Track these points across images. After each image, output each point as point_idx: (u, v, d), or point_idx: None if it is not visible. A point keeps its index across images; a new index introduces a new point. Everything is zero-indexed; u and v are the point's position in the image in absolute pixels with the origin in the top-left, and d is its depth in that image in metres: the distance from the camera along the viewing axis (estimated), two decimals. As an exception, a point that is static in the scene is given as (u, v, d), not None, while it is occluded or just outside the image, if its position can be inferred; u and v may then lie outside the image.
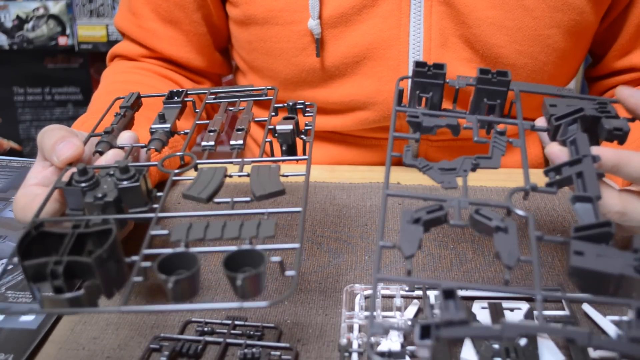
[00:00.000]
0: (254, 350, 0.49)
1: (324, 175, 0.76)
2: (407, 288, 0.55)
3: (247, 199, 0.47)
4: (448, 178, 0.46)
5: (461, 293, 0.55)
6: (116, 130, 0.57)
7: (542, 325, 0.36)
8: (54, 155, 0.53)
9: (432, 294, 0.54)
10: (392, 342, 0.48)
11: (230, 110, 0.59)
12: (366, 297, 0.55)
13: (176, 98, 0.61)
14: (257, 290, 0.40)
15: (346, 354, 0.48)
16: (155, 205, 0.48)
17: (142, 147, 0.56)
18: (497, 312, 0.52)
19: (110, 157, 0.54)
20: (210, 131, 0.55)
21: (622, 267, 0.38)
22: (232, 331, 0.52)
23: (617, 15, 0.78)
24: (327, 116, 0.83)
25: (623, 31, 0.79)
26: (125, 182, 0.48)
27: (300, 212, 0.45)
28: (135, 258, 0.42)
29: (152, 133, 0.57)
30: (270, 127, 0.56)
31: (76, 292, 0.39)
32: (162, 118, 0.57)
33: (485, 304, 0.54)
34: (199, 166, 0.51)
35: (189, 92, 0.62)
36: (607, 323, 0.52)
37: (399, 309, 0.53)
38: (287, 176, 0.50)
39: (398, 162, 0.76)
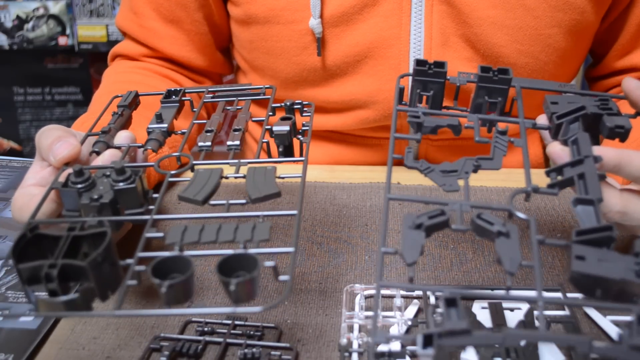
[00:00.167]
0: (254, 350, 0.49)
1: (324, 175, 0.76)
2: (412, 290, 0.55)
3: (243, 201, 0.47)
4: (449, 181, 0.46)
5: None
6: (113, 130, 0.57)
7: (544, 333, 0.36)
8: (50, 155, 0.53)
9: (432, 294, 0.54)
10: (392, 342, 0.48)
11: (228, 109, 0.59)
12: (366, 297, 0.55)
13: (174, 97, 0.60)
14: (251, 294, 0.40)
15: (346, 354, 0.48)
16: (151, 207, 0.48)
17: (139, 147, 0.56)
18: (497, 312, 0.52)
19: (107, 157, 0.53)
20: (207, 131, 0.54)
21: (623, 272, 0.38)
22: (232, 331, 0.52)
23: (617, 15, 0.78)
24: (327, 115, 0.83)
25: (624, 31, 0.78)
26: (121, 184, 0.48)
27: (296, 215, 0.45)
28: (129, 261, 0.42)
29: (149, 133, 0.56)
30: (267, 127, 0.56)
31: (71, 295, 0.39)
32: (159, 118, 0.57)
33: (485, 304, 0.53)
34: (196, 167, 0.50)
35: (186, 91, 0.61)
36: (607, 323, 0.52)
37: (399, 309, 0.53)
38: (283, 178, 0.50)
39: (398, 162, 0.76)
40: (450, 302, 0.37)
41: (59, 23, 1.78)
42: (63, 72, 1.91)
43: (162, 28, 0.84)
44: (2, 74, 1.90)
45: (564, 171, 0.46)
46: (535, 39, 0.74)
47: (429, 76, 0.53)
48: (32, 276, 0.40)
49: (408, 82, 0.55)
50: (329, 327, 0.53)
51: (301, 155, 0.54)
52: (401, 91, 0.54)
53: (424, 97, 0.54)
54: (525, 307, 0.53)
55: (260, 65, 0.83)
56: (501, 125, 0.50)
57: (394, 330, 0.51)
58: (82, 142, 0.55)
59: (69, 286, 0.41)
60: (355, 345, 0.49)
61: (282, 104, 0.59)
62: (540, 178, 0.47)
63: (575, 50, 0.78)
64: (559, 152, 0.49)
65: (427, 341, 0.36)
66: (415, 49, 0.75)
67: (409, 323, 0.52)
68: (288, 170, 0.52)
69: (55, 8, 1.77)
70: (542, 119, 0.53)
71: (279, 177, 0.49)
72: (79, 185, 0.48)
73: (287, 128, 0.55)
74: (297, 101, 0.59)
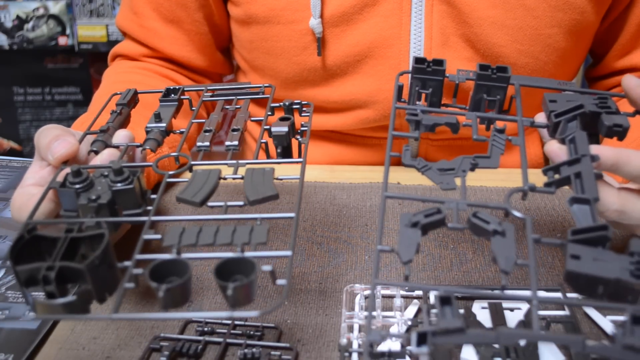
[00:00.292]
0: (254, 350, 0.49)
1: (324, 175, 0.76)
2: (407, 288, 0.55)
3: (241, 203, 0.47)
4: (447, 179, 0.46)
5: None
6: (112, 129, 0.57)
7: (537, 333, 0.36)
8: (49, 154, 0.53)
9: (432, 294, 0.54)
10: (392, 342, 0.48)
11: (227, 108, 0.59)
12: (366, 297, 0.55)
13: (172, 95, 0.60)
14: (248, 298, 0.40)
15: (346, 354, 0.48)
16: (149, 208, 0.48)
17: (138, 146, 0.56)
18: (497, 312, 0.52)
19: (106, 156, 0.53)
20: (206, 131, 0.54)
21: (618, 271, 0.38)
22: (232, 331, 0.52)
23: (617, 15, 0.78)
24: (327, 115, 0.83)
25: (624, 31, 0.78)
26: (119, 185, 0.48)
27: (294, 218, 0.45)
28: (127, 263, 0.42)
29: (147, 132, 0.56)
30: (266, 127, 0.56)
31: (68, 298, 0.39)
32: (157, 117, 0.57)
33: (485, 304, 0.53)
34: (194, 167, 0.50)
35: (185, 89, 0.61)
36: (607, 323, 0.52)
37: (399, 309, 0.53)
38: (281, 179, 0.50)
39: (398, 162, 0.76)
40: (445, 301, 0.37)
41: (59, 23, 1.78)
42: (63, 72, 1.91)
43: (162, 28, 0.84)
44: (2, 74, 1.90)
45: (561, 170, 0.46)
46: (535, 39, 0.74)
47: (428, 74, 0.53)
48: (30, 278, 0.40)
49: (407, 80, 0.55)
50: (329, 327, 0.53)
51: (299, 156, 0.53)
52: (400, 88, 0.54)
53: (423, 95, 0.54)
54: (525, 307, 0.53)
55: (260, 65, 0.83)
56: (499, 124, 0.50)
57: (393, 330, 0.51)
58: (81, 141, 0.55)
59: (67, 288, 0.41)
60: (355, 345, 0.49)
61: (281, 104, 0.59)
62: (539, 177, 0.47)
63: (575, 50, 0.78)
64: (557, 150, 0.49)
65: (421, 339, 0.36)
66: (415, 48, 0.75)
67: (409, 323, 0.52)
68: (287, 170, 0.52)
69: (55, 8, 1.77)
70: (540, 117, 0.53)
71: (277, 179, 0.49)
72: (77, 186, 0.48)
73: (285, 129, 0.55)
74: (296, 101, 0.59)
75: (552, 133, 0.51)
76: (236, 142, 0.52)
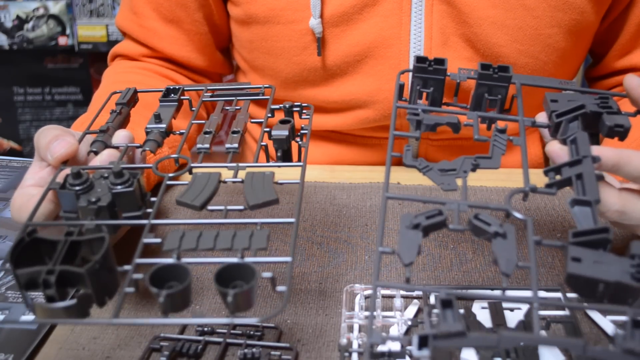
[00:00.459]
0: (254, 350, 0.49)
1: (324, 175, 0.76)
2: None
3: (241, 207, 0.47)
4: (448, 179, 0.46)
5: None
6: (111, 129, 0.56)
7: (537, 336, 0.36)
8: (48, 154, 0.53)
9: (432, 294, 0.54)
10: (392, 343, 0.48)
11: (227, 109, 0.59)
12: (366, 297, 0.55)
13: (172, 95, 0.60)
14: (248, 304, 0.40)
15: (346, 354, 0.48)
16: (149, 210, 0.48)
17: (137, 147, 0.56)
18: (497, 312, 0.52)
19: (105, 157, 0.53)
20: (206, 132, 0.54)
21: (619, 274, 0.38)
22: (232, 331, 0.52)
23: (617, 15, 0.78)
24: (327, 115, 0.83)
25: (623, 31, 0.78)
26: (119, 187, 0.48)
27: (294, 223, 0.44)
28: (127, 267, 0.42)
29: (147, 133, 0.56)
30: (266, 129, 0.55)
31: (68, 302, 0.39)
32: (157, 118, 0.56)
33: (485, 303, 0.53)
34: (194, 170, 0.50)
35: (185, 89, 0.61)
36: (607, 323, 0.52)
37: (399, 309, 0.53)
38: (281, 184, 0.49)
39: (398, 162, 0.76)
40: (446, 304, 0.37)
41: (59, 23, 1.78)
42: (63, 72, 1.91)
43: (162, 28, 0.84)
44: (2, 74, 1.90)
45: (562, 171, 0.46)
46: (535, 39, 0.74)
47: (429, 73, 0.53)
48: (30, 281, 0.40)
49: (408, 79, 0.55)
50: (328, 327, 0.53)
51: (299, 158, 0.53)
52: (401, 87, 0.54)
53: (424, 94, 0.54)
54: (525, 307, 0.53)
55: (260, 65, 0.83)
56: (500, 124, 0.50)
57: (393, 331, 0.51)
58: (80, 141, 0.55)
59: (67, 291, 0.40)
60: (355, 345, 0.49)
61: (281, 106, 0.59)
62: (539, 178, 0.47)
63: (575, 50, 0.78)
64: (558, 151, 0.49)
65: (423, 342, 0.36)
66: (416, 48, 0.75)
67: (409, 323, 0.52)
68: (287, 173, 0.51)
69: (55, 8, 1.77)
70: (541, 117, 0.53)
71: (277, 183, 0.49)
72: (77, 187, 0.48)
73: (285, 133, 0.55)
74: (296, 103, 0.59)
75: (554, 133, 0.51)
76: (236, 145, 0.52)
